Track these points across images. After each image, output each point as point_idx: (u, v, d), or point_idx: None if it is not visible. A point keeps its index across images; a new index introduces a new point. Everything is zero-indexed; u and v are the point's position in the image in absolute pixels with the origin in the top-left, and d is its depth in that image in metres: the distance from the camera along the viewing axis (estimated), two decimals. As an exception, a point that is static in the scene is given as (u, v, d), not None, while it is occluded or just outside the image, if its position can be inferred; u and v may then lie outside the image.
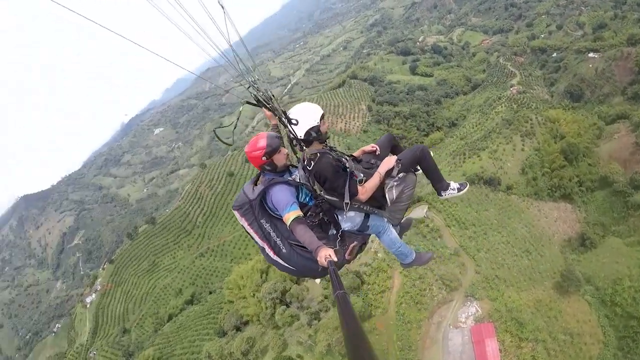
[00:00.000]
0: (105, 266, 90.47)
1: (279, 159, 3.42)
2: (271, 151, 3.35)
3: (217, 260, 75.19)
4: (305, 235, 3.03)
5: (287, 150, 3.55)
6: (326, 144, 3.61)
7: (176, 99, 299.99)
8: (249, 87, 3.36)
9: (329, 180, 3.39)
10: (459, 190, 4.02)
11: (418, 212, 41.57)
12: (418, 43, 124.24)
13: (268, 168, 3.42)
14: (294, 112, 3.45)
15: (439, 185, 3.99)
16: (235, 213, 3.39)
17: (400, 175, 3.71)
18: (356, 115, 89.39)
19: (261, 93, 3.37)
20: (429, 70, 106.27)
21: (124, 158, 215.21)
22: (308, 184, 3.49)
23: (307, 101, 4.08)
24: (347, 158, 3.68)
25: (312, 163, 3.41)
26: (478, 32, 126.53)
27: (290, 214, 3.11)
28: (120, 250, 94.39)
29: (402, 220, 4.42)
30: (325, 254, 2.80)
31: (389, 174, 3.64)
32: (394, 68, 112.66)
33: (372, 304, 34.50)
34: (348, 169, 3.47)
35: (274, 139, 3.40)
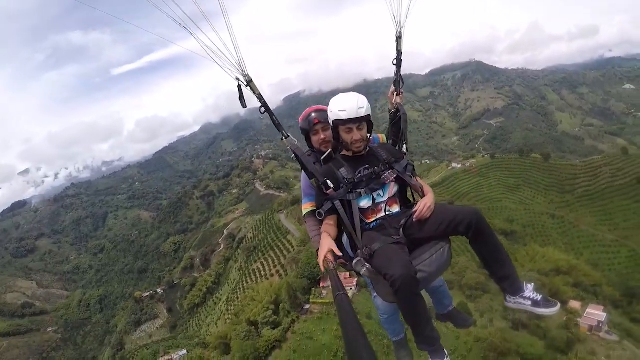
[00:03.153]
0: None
1: (314, 140, 3.04)
2: (304, 125, 3.04)
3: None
4: (312, 232, 2.92)
5: (327, 137, 2.97)
6: (336, 152, 2.83)
7: None
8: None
9: None
10: (537, 305, 2.35)
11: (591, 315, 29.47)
12: None
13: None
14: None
15: (504, 282, 2.46)
16: None
17: (368, 266, 2.41)
18: None
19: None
20: None
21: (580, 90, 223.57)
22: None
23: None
24: (341, 183, 2.64)
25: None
26: None
27: (306, 206, 2.99)
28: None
29: (451, 314, 3.31)
30: (324, 255, 2.65)
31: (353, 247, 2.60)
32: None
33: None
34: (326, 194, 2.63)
35: (322, 114, 2.94)
